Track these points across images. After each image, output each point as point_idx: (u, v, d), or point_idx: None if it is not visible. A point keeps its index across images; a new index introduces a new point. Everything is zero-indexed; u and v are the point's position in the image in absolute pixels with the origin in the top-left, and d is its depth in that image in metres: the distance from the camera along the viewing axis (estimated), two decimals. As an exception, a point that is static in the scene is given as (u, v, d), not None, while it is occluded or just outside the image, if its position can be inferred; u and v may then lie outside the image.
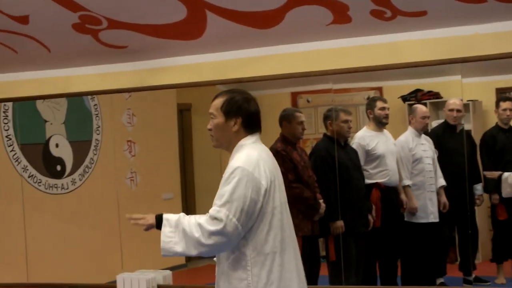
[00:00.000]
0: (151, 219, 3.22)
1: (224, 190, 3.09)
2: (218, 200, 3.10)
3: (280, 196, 3.23)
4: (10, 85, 5.69)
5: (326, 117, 5.65)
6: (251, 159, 3.14)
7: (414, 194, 5.73)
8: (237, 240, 3.09)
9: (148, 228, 3.23)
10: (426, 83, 6.31)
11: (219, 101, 3.27)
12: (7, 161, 6.30)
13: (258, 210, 3.10)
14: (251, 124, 3.27)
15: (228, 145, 3.27)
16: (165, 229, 3.16)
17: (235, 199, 3.05)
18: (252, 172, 3.10)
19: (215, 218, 3.05)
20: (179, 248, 3.12)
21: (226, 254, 3.18)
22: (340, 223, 5.42)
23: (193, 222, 3.10)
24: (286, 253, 3.19)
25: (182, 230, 3.11)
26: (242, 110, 3.24)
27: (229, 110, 3.23)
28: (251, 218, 3.08)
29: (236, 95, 3.27)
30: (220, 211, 3.05)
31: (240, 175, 3.08)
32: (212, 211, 3.08)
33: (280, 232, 3.18)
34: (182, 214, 3.19)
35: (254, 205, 3.08)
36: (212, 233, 3.04)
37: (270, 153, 3.31)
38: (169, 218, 3.17)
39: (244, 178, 3.08)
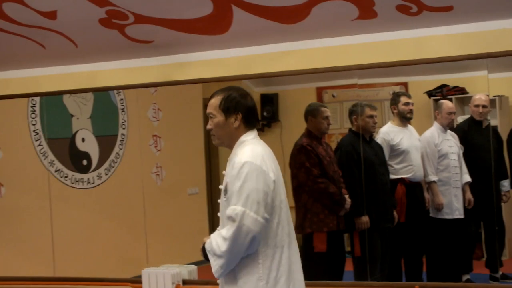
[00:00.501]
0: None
1: (236, 186, 3.11)
2: (232, 198, 3.12)
3: (283, 190, 3.27)
4: (38, 80, 5.74)
5: (352, 112, 5.64)
6: (257, 153, 3.17)
7: (440, 190, 5.70)
8: (262, 231, 3.09)
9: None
10: (452, 79, 6.26)
11: (216, 100, 3.28)
12: (34, 155, 6.36)
13: (271, 202, 3.13)
14: (251, 118, 3.29)
15: (229, 143, 3.30)
16: (210, 256, 3.18)
17: (249, 194, 3.07)
18: (260, 165, 3.12)
19: (233, 221, 3.06)
20: (225, 268, 3.14)
21: None
22: (365, 219, 5.41)
23: (220, 239, 3.10)
24: (292, 245, 3.24)
25: (216, 252, 3.13)
26: (241, 105, 3.26)
27: (227, 108, 3.25)
28: (268, 208, 3.10)
29: (232, 92, 3.29)
30: (235, 209, 3.07)
31: (249, 169, 3.10)
32: (228, 210, 3.11)
33: (287, 225, 3.22)
34: (212, 235, 3.20)
35: (267, 197, 3.10)
36: (232, 238, 3.06)
37: (270, 149, 3.33)
38: (206, 246, 3.19)
39: (254, 172, 3.10)
